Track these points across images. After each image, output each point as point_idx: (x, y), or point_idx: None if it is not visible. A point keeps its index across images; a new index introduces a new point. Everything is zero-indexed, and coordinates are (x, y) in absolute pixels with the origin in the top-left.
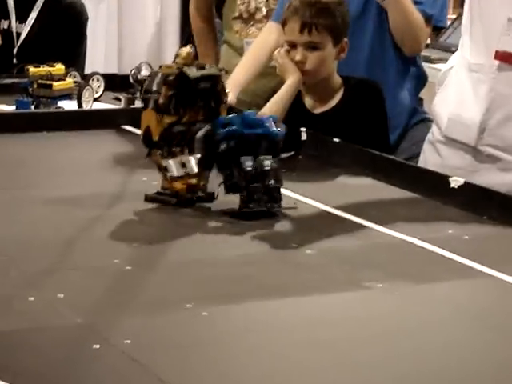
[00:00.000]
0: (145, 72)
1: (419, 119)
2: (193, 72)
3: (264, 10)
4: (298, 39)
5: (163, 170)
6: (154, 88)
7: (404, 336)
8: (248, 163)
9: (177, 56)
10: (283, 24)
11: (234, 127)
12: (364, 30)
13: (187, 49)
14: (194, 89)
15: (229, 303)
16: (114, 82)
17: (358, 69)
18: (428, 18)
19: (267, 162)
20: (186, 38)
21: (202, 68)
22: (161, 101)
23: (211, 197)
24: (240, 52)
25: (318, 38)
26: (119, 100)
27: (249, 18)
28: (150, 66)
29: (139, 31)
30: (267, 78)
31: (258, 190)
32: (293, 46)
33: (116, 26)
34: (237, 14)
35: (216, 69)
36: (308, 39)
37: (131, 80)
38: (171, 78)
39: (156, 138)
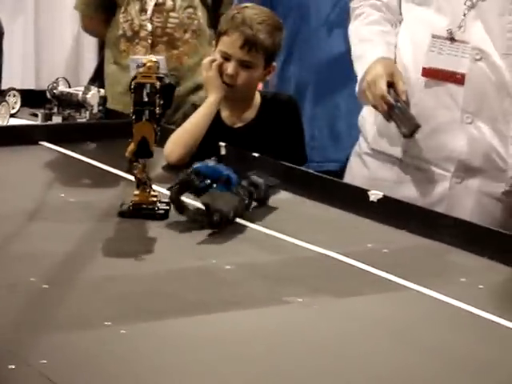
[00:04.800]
0: (62, 87)
1: None
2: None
3: (149, 27)
4: (236, 53)
5: (142, 183)
6: (146, 99)
7: (323, 351)
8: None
9: (142, 65)
10: (221, 34)
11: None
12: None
13: (151, 59)
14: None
15: (148, 320)
16: (31, 98)
17: None
18: None
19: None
20: (103, 53)
21: (167, 76)
22: (158, 111)
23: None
24: (128, 71)
25: (255, 58)
26: (36, 116)
27: (133, 36)
28: (68, 81)
29: (56, 46)
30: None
31: None
32: (226, 58)
33: (33, 40)
34: (120, 33)
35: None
36: (246, 57)
37: (48, 95)
38: (159, 88)
39: (153, 148)
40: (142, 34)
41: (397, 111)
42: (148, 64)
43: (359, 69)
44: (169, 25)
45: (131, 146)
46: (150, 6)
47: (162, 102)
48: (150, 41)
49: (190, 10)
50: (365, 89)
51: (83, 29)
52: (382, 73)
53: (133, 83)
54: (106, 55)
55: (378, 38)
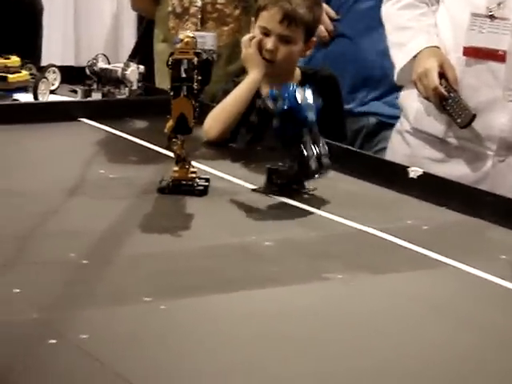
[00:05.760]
0: (101, 64)
1: None
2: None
3: (199, 3)
4: (275, 28)
5: (181, 160)
6: (184, 75)
7: (362, 327)
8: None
9: (180, 41)
10: (260, 9)
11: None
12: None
13: (189, 34)
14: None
15: (187, 296)
16: (71, 74)
17: None
18: None
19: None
20: (142, 29)
21: (204, 52)
22: (196, 87)
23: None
24: None
25: (294, 33)
26: (76, 92)
27: (182, 13)
28: (107, 57)
29: (95, 23)
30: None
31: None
32: (265, 34)
33: (72, 17)
34: (170, 9)
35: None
36: (285, 31)
37: (88, 72)
38: (196, 63)
39: (192, 124)
40: (192, 10)
41: (451, 102)
42: (186, 40)
43: (399, 57)
44: (219, 0)
45: (170, 123)
46: None
47: (199, 78)
48: (200, 16)
49: None
50: (415, 81)
51: (132, 7)
52: (433, 64)
53: (170, 59)
54: (156, 33)
55: (417, 23)
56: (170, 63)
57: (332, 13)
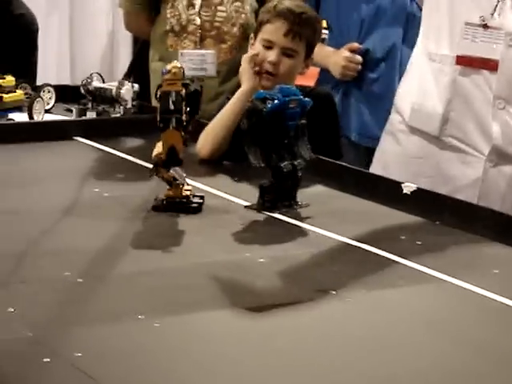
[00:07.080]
0: (96, 83)
1: None
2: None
3: (198, 21)
4: (279, 41)
5: (173, 181)
6: (172, 107)
7: (359, 343)
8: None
9: (167, 72)
10: (263, 22)
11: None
12: None
13: (176, 65)
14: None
15: (181, 314)
16: (66, 94)
17: None
18: None
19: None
20: (137, 48)
21: (192, 81)
22: (184, 118)
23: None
24: None
25: (298, 46)
26: (71, 111)
27: (181, 31)
28: (102, 76)
29: (91, 42)
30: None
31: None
32: (268, 47)
33: (68, 36)
34: (168, 28)
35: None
36: (289, 44)
37: (82, 91)
38: (184, 95)
39: (182, 155)
40: (190, 28)
41: None
42: (173, 70)
43: None
44: (217, 18)
45: (157, 149)
46: (197, 0)
47: (188, 109)
48: (198, 35)
49: (238, 4)
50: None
51: (126, 27)
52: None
53: (158, 92)
54: (151, 53)
55: None
56: (157, 96)
57: (357, 58)
